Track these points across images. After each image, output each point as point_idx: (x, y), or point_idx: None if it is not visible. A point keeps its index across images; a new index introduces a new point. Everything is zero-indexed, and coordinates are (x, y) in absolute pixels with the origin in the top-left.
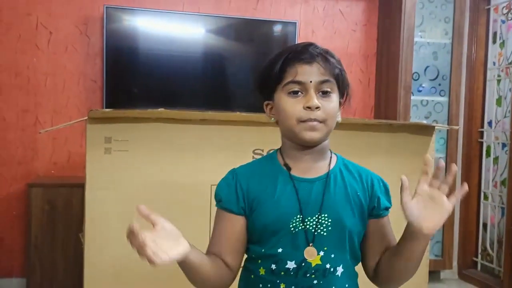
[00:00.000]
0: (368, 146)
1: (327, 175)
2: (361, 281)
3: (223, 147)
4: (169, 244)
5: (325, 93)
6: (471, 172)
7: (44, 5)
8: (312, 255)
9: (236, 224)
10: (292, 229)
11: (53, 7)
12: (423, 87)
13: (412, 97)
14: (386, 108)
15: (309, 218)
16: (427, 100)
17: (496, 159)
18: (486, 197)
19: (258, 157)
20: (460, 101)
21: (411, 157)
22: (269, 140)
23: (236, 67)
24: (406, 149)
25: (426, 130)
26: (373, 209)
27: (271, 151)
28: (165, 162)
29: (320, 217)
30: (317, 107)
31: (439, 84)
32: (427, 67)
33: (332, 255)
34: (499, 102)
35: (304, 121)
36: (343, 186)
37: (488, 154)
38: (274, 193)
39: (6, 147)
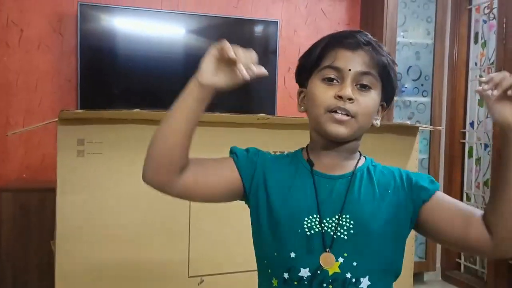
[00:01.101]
0: None
1: (353, 173)
2: None
3: (202, 149)
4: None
5: (363, 87)
6: (454, 172)
7: (15, 1)
8: (329, 263)
9: (232, 179)
10: (307, 230)
11: (25, 3)
12: (405, 87)
13: (395, 98)
14: None
15: (327, 219)
16: (410, 101)
17: (478, 159)
18: (468, 198)
19: None
20: (443, 101)
21: (396, 157)
22: (250, 142)
23: None
24: (391, 149)
25: (410, 131)
26: (416, 200)
27: (297, 149)
28: (141, 164)
29: (340, 218)
30: (350, 99)
31: (422, 85)
32: (410, 67)
33: (354, 263)
34: (481, 102)
35: (332, 111)
36: (370, 185)
37: (470, 155)
38: (290, 185)
39: None
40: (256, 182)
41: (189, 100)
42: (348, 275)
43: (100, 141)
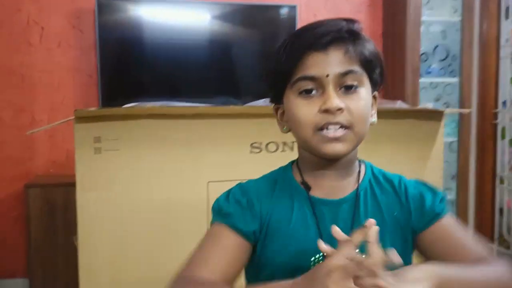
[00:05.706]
0: (373, 134)
1: (356, 194)
2: None
3: (219, 141)
4: None
5: (349, 88)
6: (486, 155)
7: (34, 0)
8: None
9: (245, 250)
10: None
11: (44, 1)
12: (432, 68)
13: (420, 79)
14: (393, 92)
15: None
16: (436, 82)
17: (511, 140)
18: (502, 181)
19: (256, 151)
20: (472, 81)
21: (419, 145)
22: (267, 132)
23: (243, 54)
24: (414, 136)
25: (435, 115)
26: (416, 224)
27: (284, 165)
28: (159, 160)
29: None
30: (339, 109)
31: (449, 65)
32: (436, 46)
33: None
34: None
35: (322, 129)
36: (376, 206)
37: (503, 136)
38: (289, 222)
39: (2, 148)
40: (259, 225)
41: None
42: None
43: (117, 137)
